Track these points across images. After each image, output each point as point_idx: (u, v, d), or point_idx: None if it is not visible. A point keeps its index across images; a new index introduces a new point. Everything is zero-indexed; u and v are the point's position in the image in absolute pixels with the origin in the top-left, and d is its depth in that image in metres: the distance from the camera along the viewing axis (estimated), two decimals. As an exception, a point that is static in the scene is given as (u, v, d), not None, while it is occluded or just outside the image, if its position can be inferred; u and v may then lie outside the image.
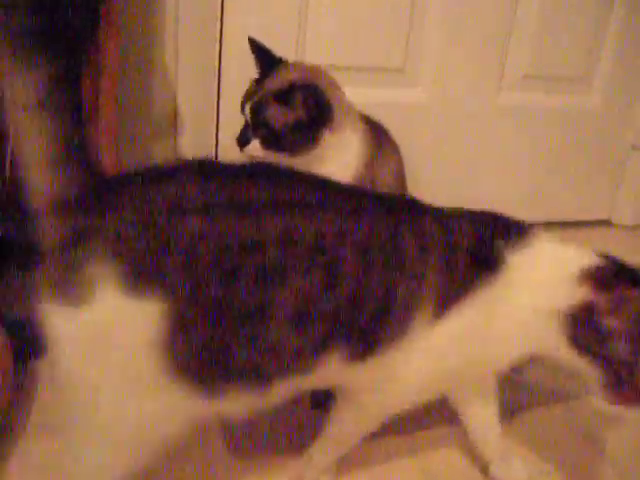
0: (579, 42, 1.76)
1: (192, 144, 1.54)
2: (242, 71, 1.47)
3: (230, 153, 1.56)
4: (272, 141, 1.08)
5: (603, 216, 2.02)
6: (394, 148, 1.25)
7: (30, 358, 1.18)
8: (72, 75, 1.04)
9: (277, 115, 1.07)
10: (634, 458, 1.14)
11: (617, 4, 1.75)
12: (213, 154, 1.57)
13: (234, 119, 1.53)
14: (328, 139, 1.11)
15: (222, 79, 1.51)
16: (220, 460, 1.04)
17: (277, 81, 1.10)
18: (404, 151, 1.27)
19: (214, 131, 1.56)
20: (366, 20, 1.54)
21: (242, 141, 1.11)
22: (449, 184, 1.79)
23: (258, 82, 1.12)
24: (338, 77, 1.52)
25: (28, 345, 1.17)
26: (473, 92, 1.71)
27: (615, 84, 1.84)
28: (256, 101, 1.09)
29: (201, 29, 1.45)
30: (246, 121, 1.11)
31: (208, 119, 1.54)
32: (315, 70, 1.16)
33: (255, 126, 1.09)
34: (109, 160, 1.14)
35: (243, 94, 1.14)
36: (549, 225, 1.87)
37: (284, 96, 1.07)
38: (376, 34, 1.56)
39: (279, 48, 1.49)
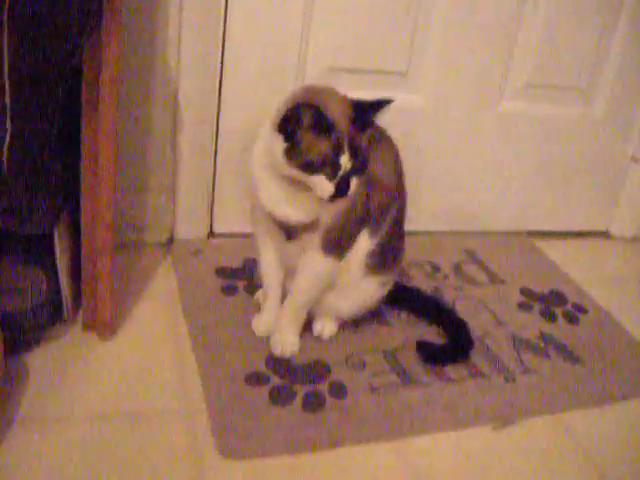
0: (582, 53, 1.76)
1: (191, 140, 1.54)
2: (242, 66, 1.49)
3: (227, 150, 1.56)
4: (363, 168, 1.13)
5: (602, 227, 2.01)
6: (389, 144, 1.25)
7: (20, 349, 1.18)
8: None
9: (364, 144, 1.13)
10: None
11: (622, 17, 1.75)
12: (212, 151, 1.57)
13: (234, 115, 1.54)
14: None
15: (224, 74, 1.50)
16: (211, 461, 1.03)
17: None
18: (402, 156, 1.27)
19: (214, 128, 1.55)
20: (370, 23, 1.54)
21: (346, 189, 1.10)
22: (447, 191, 1.80)
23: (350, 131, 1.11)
24: (341, 79, 1.54)
25: (19, 336, 1.17)
26: (474, 100, 1.71)
27: (617, 96, 1.84)
28: (360, 146, 1.11)
29: (204, 28, 1.45)
30: (345, 169, 1.09)
31: (209, 116, 1.53)
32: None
33: (361, 166, 1.12)
34: (107, 152, 1.13)
35: (334, 146, 1.08)
36: (548, 235, 1.90)
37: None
38: (380, 37, 1.56)
39: (283, 50, 1.50)
